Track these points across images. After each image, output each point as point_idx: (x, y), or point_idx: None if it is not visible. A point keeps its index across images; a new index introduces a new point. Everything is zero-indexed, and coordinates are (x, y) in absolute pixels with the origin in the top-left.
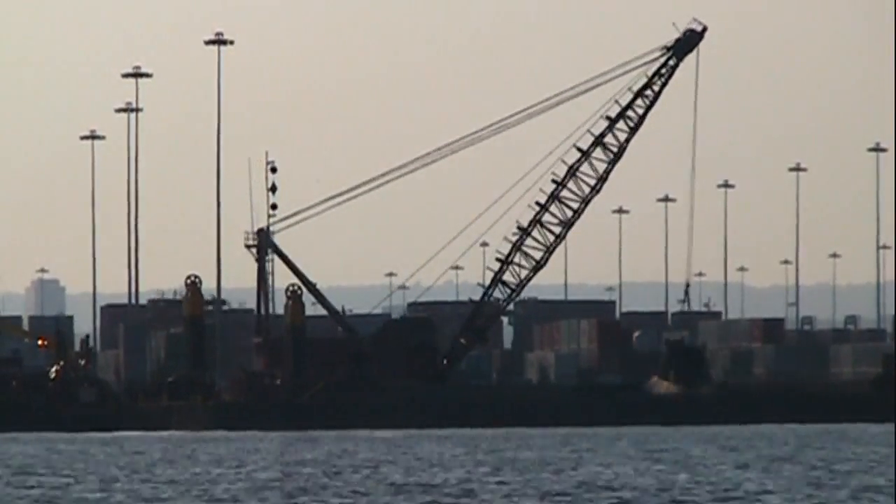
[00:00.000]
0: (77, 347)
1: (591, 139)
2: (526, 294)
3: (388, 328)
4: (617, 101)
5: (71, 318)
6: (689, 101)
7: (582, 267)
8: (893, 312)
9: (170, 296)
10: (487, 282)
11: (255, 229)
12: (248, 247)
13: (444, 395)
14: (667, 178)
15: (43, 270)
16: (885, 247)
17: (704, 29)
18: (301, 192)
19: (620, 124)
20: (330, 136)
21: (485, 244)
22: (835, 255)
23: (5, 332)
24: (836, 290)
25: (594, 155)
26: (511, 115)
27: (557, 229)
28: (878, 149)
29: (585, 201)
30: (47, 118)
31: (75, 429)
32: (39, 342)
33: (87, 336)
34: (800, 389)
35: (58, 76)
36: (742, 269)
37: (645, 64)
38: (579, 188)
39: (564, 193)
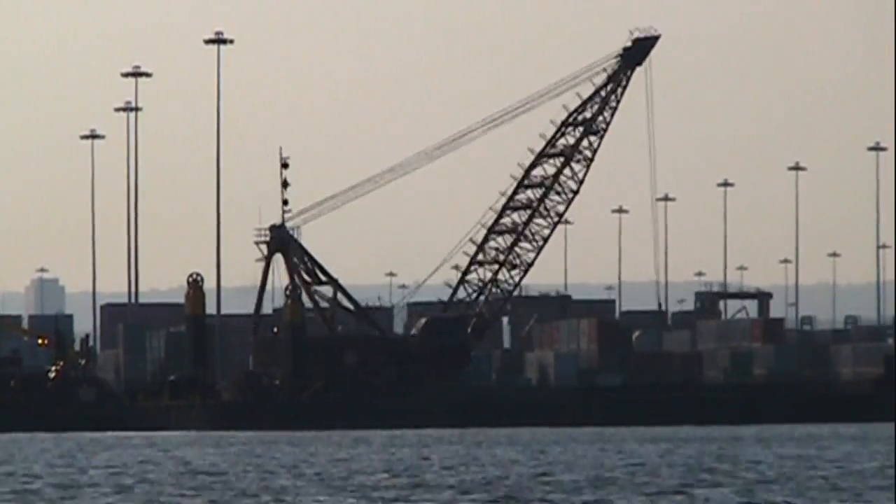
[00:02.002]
0: (77, 347)
1: (553, 145)
2: (526, 293)
3: (429, 327)
4: (565, 107)
5: (71, 317)
6: (688, 101)
7: (582, 267)
8: (893, 312)
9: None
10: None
11: (269, 225)
12: (257, 243)
13: (445, 396)
14: (666, 178)
15: (43, 270)
16: (885, 246)
17: (656, 37)
18: (300, 191)
19: (578, 131)
20: (329, 137)
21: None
22: (835, 255)
23: (5, 331)
24: (836, 290)
25: (564, 161)
26: (484, 121)
27: (543, 231)
28: (877, 148)
29: (566, 203)
30: (47, 118)
31: (74, 428)
32: (39, 341)
33: (87, 336)
34: (800, 389)
35: (58, 76)
36: (742, 268)
37: (601, 71)
38: (555, 193)
39: (536, 196)
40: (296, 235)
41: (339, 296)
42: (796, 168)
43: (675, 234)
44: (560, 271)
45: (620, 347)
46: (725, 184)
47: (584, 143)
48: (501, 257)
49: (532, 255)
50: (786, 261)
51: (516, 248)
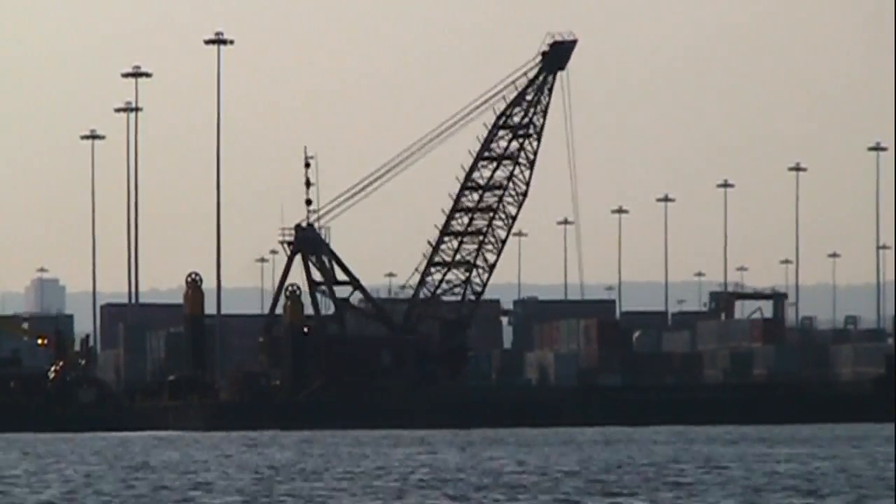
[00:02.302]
0: (77, 347)
1: (489, 149)
2: (525, 293)
3: (441, 328)
4: (494, 110)
5: (71, 317)
6: (687, 102)
7: (582, 267)
8: (893, 312)
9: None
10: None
11: (293, 225)
12: (282, 243)
13: (445, 396)
14: (666, 178)
15: (43, 270)
16: (885, 247)
17: (573, 41)
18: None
19: (510, 135)
20: (331, 137)
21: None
22: (835, 255)
23: (5, 331)
24: (836, 290)
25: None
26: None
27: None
28: (878, 148)
29: (514, 204)
30: (47, 118)
31: (74, 429)
32: (39, 341)
33: (87, 336)
34: (800, 389)
35: (58, 76)
36: (742, 268)
37: (523, 76)
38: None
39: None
40: (324, 236)
41: (353, 296)
42: (796, 168)
43: (675, 234)
44: (560, 271)
45: (620, 347)
46: (725, 184)
47: (520, 146)
48: (459, 258)
49: (492, 256)
50: (786, 261)
51: (468, 249)
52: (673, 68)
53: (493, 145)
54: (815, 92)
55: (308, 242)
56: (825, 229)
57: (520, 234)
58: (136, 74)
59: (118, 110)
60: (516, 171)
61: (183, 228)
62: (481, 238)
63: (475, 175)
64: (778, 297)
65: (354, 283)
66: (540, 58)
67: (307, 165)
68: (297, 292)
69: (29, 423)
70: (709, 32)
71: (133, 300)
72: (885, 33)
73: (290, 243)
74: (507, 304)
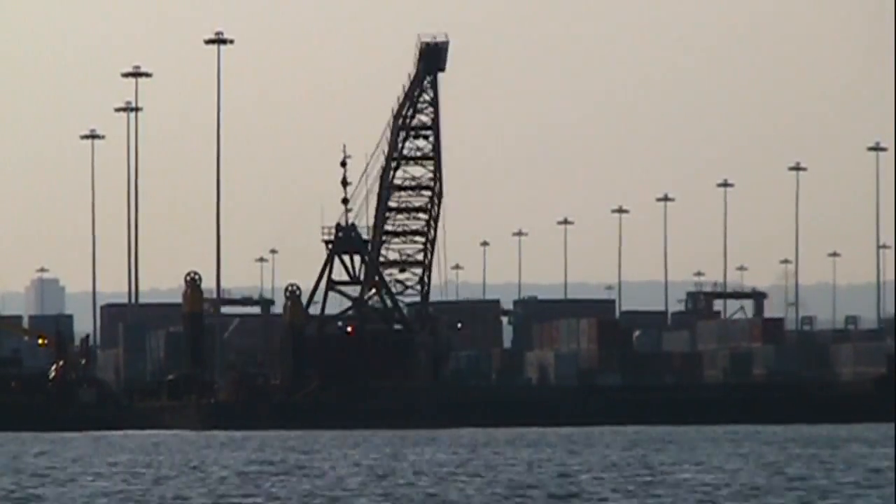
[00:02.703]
0: (77, 347)
1: (396, 148)
2: (525, 293)
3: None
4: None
5: (71, 317)
6: (687, 102)
7: (582, 267)
8: (893, 312)
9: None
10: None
11: (335, 224)
12: (326, 242)
13: (443, 396)
14: (666, 178)
15: (43, 270)
16: (885, 247)
17: (445, 43)
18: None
19: (407, 133)
20: (331, 136)
21: (485, 243)
22: (835, 255)
23: (5, 330)
24: (836, 290)
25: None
26: None
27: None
28: (877, 148)
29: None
30: (47, 118)
31: (75, 429)
32: (39, 341)
33: (87, 336)
34: (800, 389)
35: (58, 76)
36: (742, 268)
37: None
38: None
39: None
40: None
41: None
42: (796, 168)
43: (675, 234)
44: (560, 271)
45: (620, 347)
46: (725, 184)
47: (419, 145)
48: (392, 257)
49: (421, 255)
50: (786, 261)
51: (399, 248)
52: (673, 68)
53: (400, 146)
54: (815, 92)
55: (349, 242)
56: (825, 229)
57: (520, 233)
58: (136, 74)
59: (118, 110)
60: (425, 171)
61: (183, 228)
62: (421, 238)
63: (391, 176)
64: (758, 296)
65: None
66: (417, 60)
67: (343, 164)
68: (298, 292)
69: (29, 422)
70: (709, 32)
71: (133, 300)
72: (885, 33)
73: (330, 242)
74: (507, 304)
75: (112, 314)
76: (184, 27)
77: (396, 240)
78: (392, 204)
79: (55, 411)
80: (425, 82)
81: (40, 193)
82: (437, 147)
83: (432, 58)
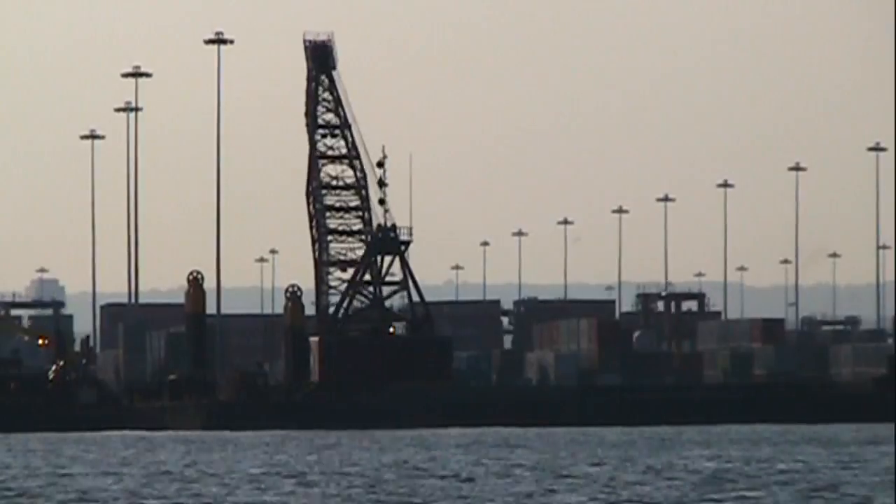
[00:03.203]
0: (77, 348)
1: (315, 147)
2: (525, 293)
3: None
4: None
5: (71, 317)
6: (688, 102)
7: (582, 267)
8: (893, 312)
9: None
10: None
11: (376, 225)
12: (365, 242)
13: (443, 395)
14: (666, 178)
15: (43, 270)
16: (885, 247)
17: (328, 41)
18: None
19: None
20: None
21: (485, 243)
22: (835, 255)
23: (5, 330)
24: (836, 290)
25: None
26: None
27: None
28: (877, 148)
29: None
30: (47, 118)
31: (75, 429)
32: (40, 341)
33: (88, 336)
34: (800, 389)
35: (58, 76)
36: (742, 268)
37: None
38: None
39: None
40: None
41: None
42: (796, 168)
43: (675, 234)
44: (560, 271)
45: (620, 347)
46: (725, 184)
47: (334, 143)
48: (339, 258)
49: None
50: (786, 261)
51: (339, 247)
52: (673, 68)
53: (319, 145)
54: (815, 92)
55: (387, 243)
56: (825, 229)
57: (520, 233)
58: (136, 74)
59: (118, 110)
60: (347, 168)
61: (183, 228)
62: (361, 237)
63: (321, 175)
64: (700, 297)
65: (414, 285)
66: (308, 58)
67: (380, 165)
68: (298, 293)
69: (29, 423)
70: (709, 32)
71: (133, 300)
72: (886, 33)
73: (369, 243)
74: (507, 304)
75: (112, 314)
76: (184, 27)
77: (342, 238)
78: (329, 202)
79: (55, 412)
80: (323, 81)
81: (40, 193)
82: (354, 145)
83: (320, 57)
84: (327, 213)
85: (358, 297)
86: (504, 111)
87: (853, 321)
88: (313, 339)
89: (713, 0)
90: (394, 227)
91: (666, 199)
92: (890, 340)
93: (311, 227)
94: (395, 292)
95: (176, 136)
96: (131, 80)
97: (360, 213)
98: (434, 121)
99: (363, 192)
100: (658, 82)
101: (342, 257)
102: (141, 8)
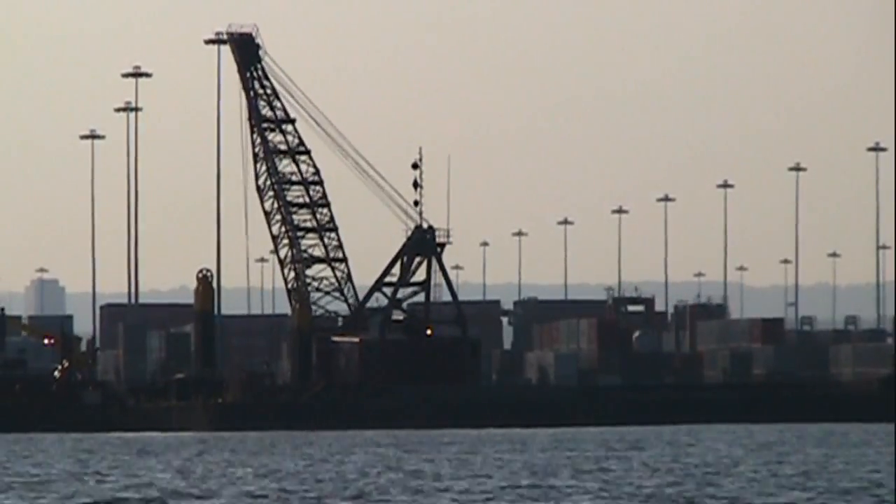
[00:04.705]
0: (83, 349)
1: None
2: (525, 293)
3: None
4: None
5: (71, 317)
6: (688, 102)
7: (582, 267)
8: (893, 312)
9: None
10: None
11: (413, 226)
12: (409, 240)
13: (443, 396)
14: (666, 178)
15: (43, 270)
16: (885, 247)
17: (248, 33)
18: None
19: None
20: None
21: (485, 243)
22: (834, 255)
23: (11, 330)
24: (836, 290)
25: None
26: None
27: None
28: (877, 148)
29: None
30: (47, 118)
31: (80, 430)
32: (46, 341)
33: (94, 337)
34: (800, 389)
35: (58, 76)
36: (742, 268)
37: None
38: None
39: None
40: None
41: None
42: (796, 168)
43: (675, 234)
44: (560, 271)
45: (620, 347)
46: (725, 184)
47: (277, 137)
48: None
49: (319, 249)
50: (786, 261)
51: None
52: (673, 68)
53: (268, 141)
54: (815, 92)
55: (423, 244)
56: (825, 229)
57: (520, 233)
58: (136, 74)
59: (118, 110)
60: (299, 163)
61: (183, 228)
62: (331, 234)
63: (282, 170)
64: (647, 301)
65: (448, 287)
66: (234, 51)
67: (415, 167)
68: (305, 294)
69: (34, 424)
70: (709, 32)
71: (133, 300)
72: (886, 33)
73: (405, 243)
74: (507, 304)
75: (112, 314)
76: (184, 27)
77: (311, 235)
78: (292, 198)
79: (59, 413)
80: (253, 75)
81: (40, 193)
82: (300, 139)
83: (244, 49)
84: (292, 209)
85: (376, 293)
86: (504, 111)
87: (853, 321)
88: (346, 340)
89: (714, 0)
90: (431, 228)
91: (666, 199)
92: (890, 340)
93: (269, 225)
94: (415, 293)
95: (176, 136)
96: (131, 80)
97: (313, 210)
98: (434, 121)
99: (320, 187)
100: (658, 82)
101: (306, 254)
102: (141, 8)
